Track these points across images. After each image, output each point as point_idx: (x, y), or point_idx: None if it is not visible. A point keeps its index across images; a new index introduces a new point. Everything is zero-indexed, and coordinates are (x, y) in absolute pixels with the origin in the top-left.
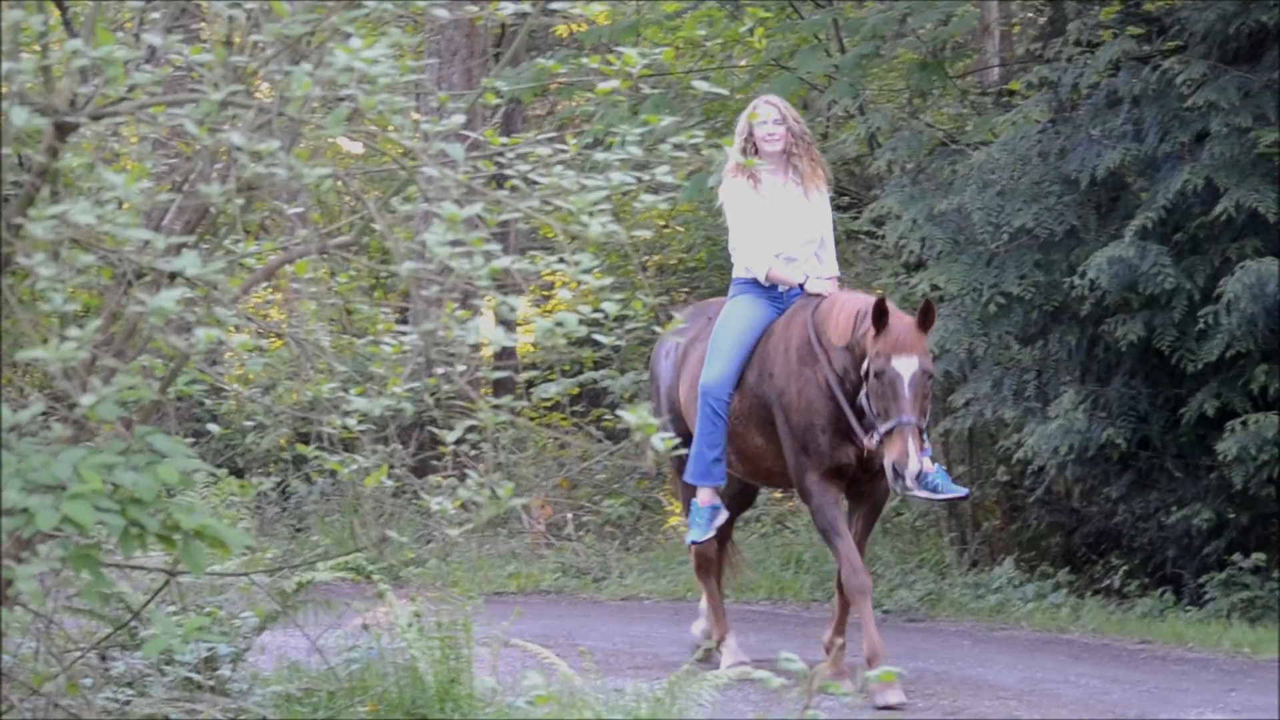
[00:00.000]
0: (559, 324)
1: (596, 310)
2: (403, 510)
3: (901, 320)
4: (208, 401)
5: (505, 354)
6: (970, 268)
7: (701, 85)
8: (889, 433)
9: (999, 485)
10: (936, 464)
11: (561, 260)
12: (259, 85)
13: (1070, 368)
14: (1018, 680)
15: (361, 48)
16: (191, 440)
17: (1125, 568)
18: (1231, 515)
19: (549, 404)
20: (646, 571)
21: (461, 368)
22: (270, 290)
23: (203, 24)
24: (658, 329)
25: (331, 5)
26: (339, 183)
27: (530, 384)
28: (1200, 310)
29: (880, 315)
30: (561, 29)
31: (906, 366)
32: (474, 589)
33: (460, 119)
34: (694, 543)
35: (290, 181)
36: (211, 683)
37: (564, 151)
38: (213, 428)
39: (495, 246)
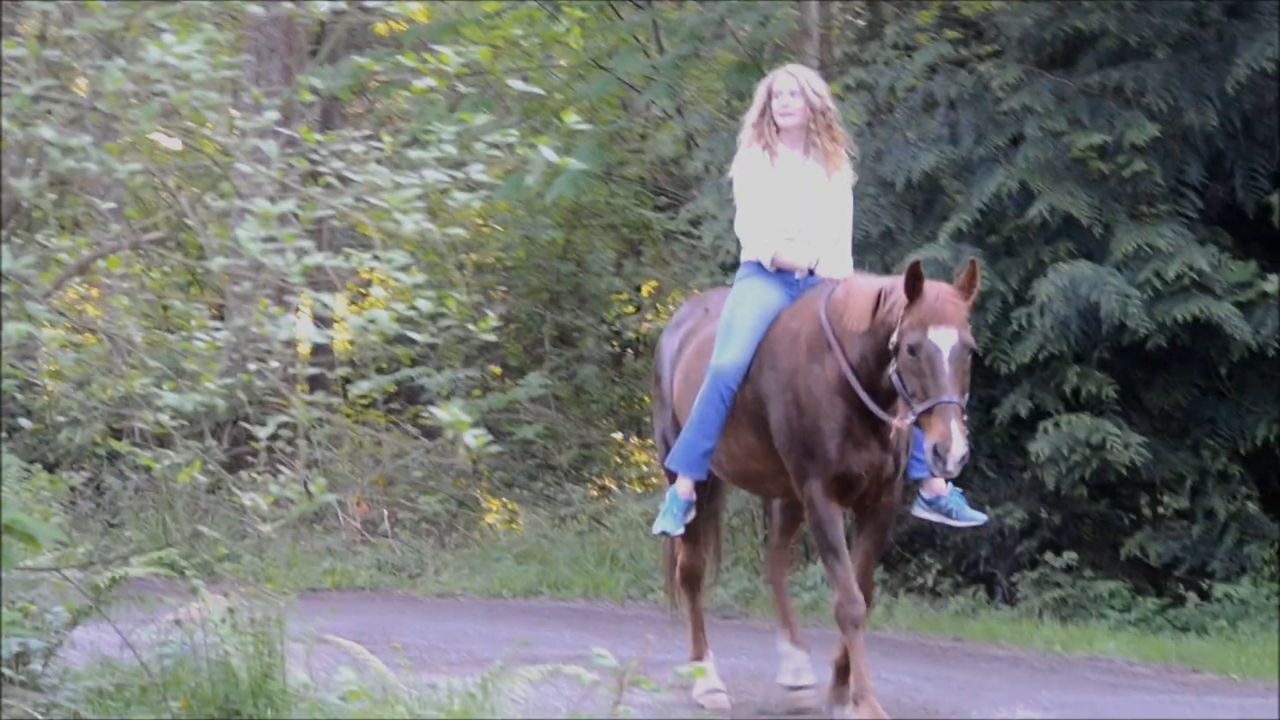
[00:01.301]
0: (371, 321)
1: (411, 308)
2: (217, 506)
3: (938, 288)
4: (20, 396)
5: (322, 351)
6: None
7: (517, 84)
8: (926, 413)
9: None
10: (949, 484)
11: (376, 258)
12: (74, 80)
13: None
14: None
15: (175, 43)
16: (3, 435)
17: (939, 566)
18: (1044, 515)
19: (366, 401)
20: (462, 568)
21: (275, 364)
22: (85, 285)
23: (16, 18)
24: (471, 327)
25: (145, 0)
26: (154, 178)
27: (347, 381)
28: (1014, 312)
29: (915, 281)
30: (381, 27)
31: (945, 339)
32: (289, 585)
33: (274, 115)
34: (664, 533)
35: (102, 176)
36: (22, 678)
37: (379, 149)
38: (24, 423)
39: (308, 243)
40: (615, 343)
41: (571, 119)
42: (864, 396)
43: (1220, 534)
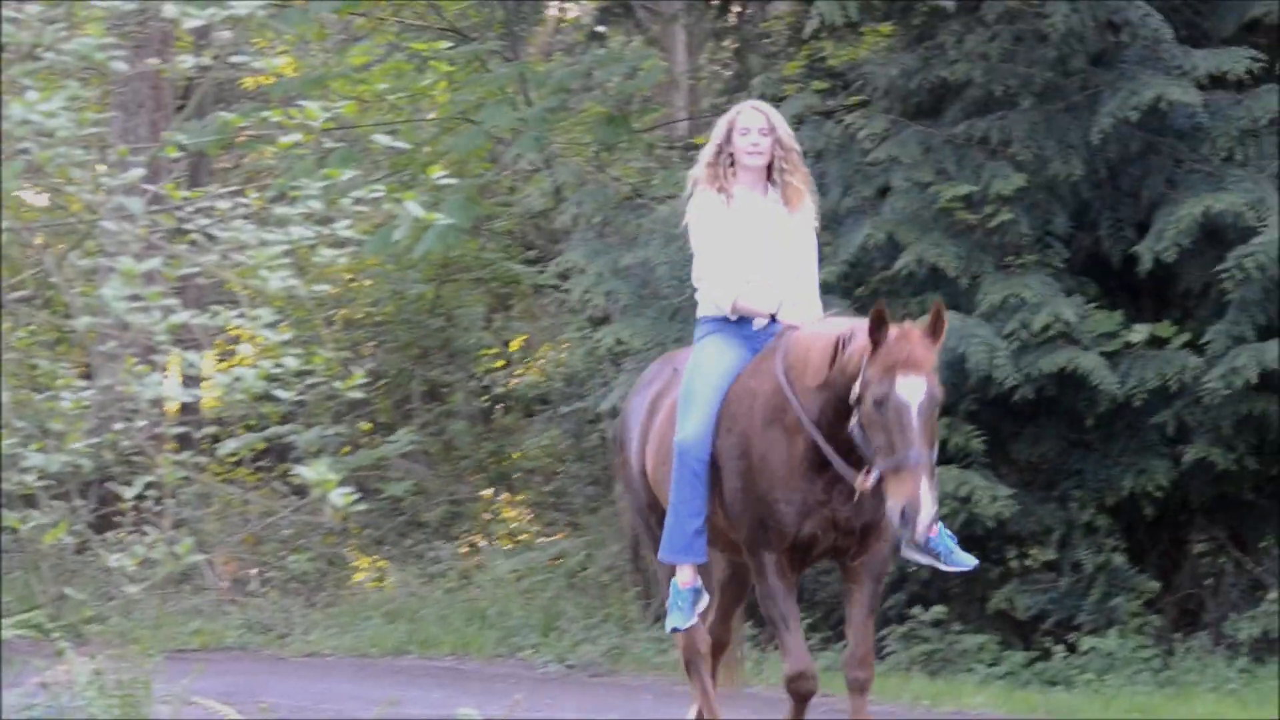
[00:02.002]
0: (238, 379)
1: (278, 365)
2: (84, 567)
3: (905, 332)
4: None
5: (189, 409)
6: (655, 322)
7: (382, 139)
8: (893, 471)
9: None
10: (939, 524)
11: (243, 315)
12: None
13: None
14: None
15: (39, 100)
16: None
17: (808, 621)
18: (911, 569)
19: (234, 459)
20: (331, 627)
21: (142, 423)
22: None
23: None
24: (338, 384)
25: (8, 57)
26: (19, 236)
27: (215, 439)
28: None
29: (879, 326)
30: (249, 82)
31: (913, 391)
32: (156, 646)
33: (140, 172)
34: (675, 630)
35: None
36: None
37: (246, 205)
38: None
39: (174, 301)
40: (485, 397)
41: (437, 174)
42: (829, 452)
43: (1087, 586)
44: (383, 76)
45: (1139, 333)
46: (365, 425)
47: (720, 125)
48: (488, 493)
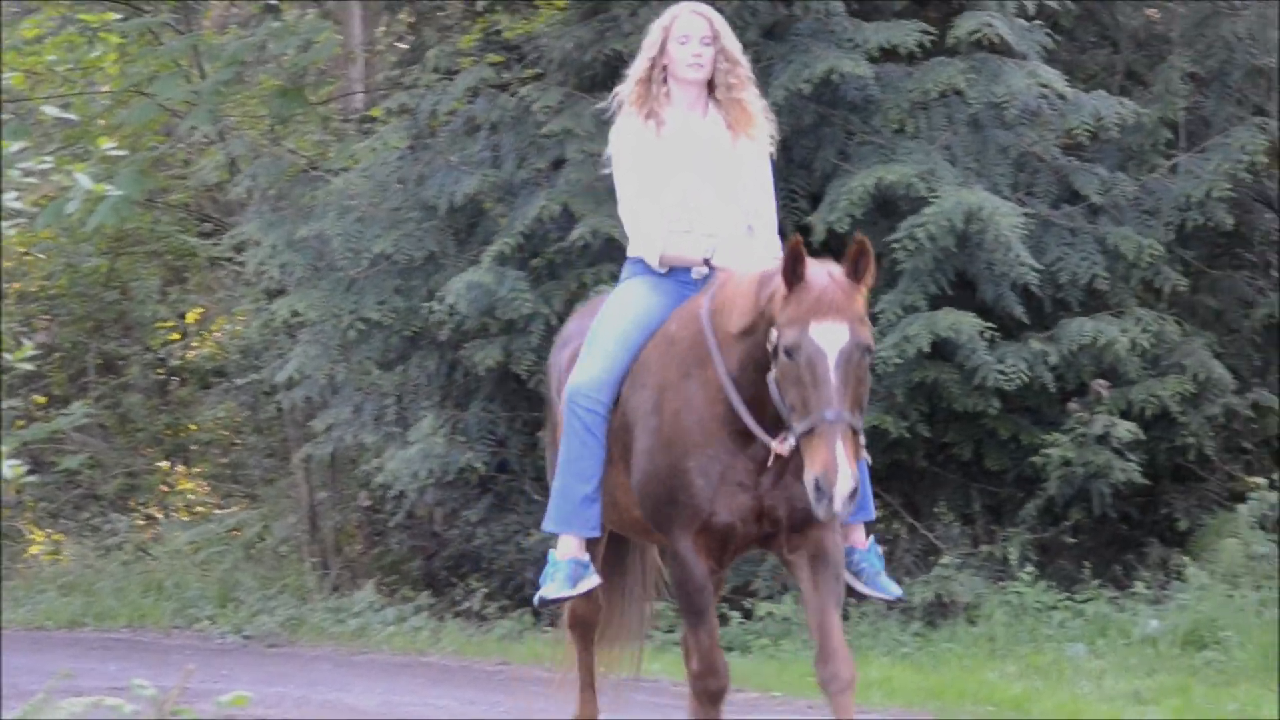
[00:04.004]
0: None
1: None
2: None
3: (827, 272)
4: None
5: None
6: (330, 293)
7: (52, 111)
8: (807, 434)
9: (360, 510)
10: (871, 538)
11: None
12: None
13: (430, 392)
14: (377, 704)
15: None
16: None
17: (485, 590)
18: None
19: None
20: (5, 601)
21: None
22: None
23: None
24: (9, 356)
25: None
26: None
27: None
28: (556, 335)
29: (795, 265)
30: None
31: (831, 338)
32: None
33: None
34: (543, 601)
35: None
36: None
37: None
38: None
39: None
40: (161, 370)
41: (107, 145)
42: (741, 410)
43: (762, 552)
44: (54, 49)
45: None
46: (39, 399)
47: (653, 32)
48: (164, 465)
